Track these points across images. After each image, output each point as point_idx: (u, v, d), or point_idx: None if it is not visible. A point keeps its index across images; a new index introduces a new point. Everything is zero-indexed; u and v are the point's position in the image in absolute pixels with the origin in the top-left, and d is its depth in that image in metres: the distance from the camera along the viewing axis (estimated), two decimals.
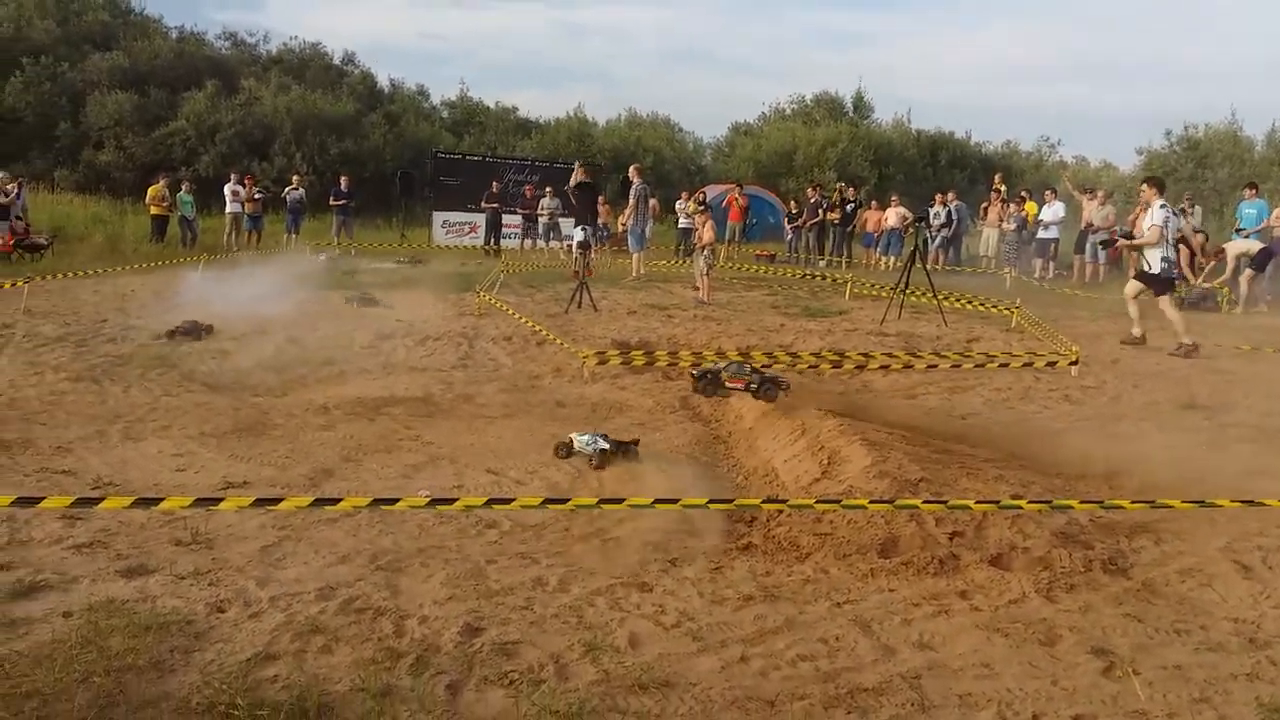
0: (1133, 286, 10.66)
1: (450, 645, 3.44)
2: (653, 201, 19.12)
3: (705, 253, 13.91)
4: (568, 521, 4.75)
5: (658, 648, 3.49)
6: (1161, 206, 10.27)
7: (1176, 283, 10.58)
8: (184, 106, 28.59)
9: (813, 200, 22.31)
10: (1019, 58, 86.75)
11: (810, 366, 8.84)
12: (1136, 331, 10.60)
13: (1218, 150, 28.05)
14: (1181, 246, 15.16)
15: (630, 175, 17.04)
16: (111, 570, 3.99)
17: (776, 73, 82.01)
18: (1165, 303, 10.34)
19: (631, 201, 16.59)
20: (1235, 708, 3.20)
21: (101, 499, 4.01)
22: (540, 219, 21.76)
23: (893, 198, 21.51)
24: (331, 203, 21.71)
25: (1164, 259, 10.22)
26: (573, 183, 14.77)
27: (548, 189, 21.53)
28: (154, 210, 19.31)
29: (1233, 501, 4.37)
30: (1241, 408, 7.83)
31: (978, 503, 4.47)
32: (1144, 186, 11.10)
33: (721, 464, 6.23)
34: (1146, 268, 10.35)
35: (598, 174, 23.35)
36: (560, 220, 21.13)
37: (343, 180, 21.66)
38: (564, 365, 9.03)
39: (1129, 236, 11.16)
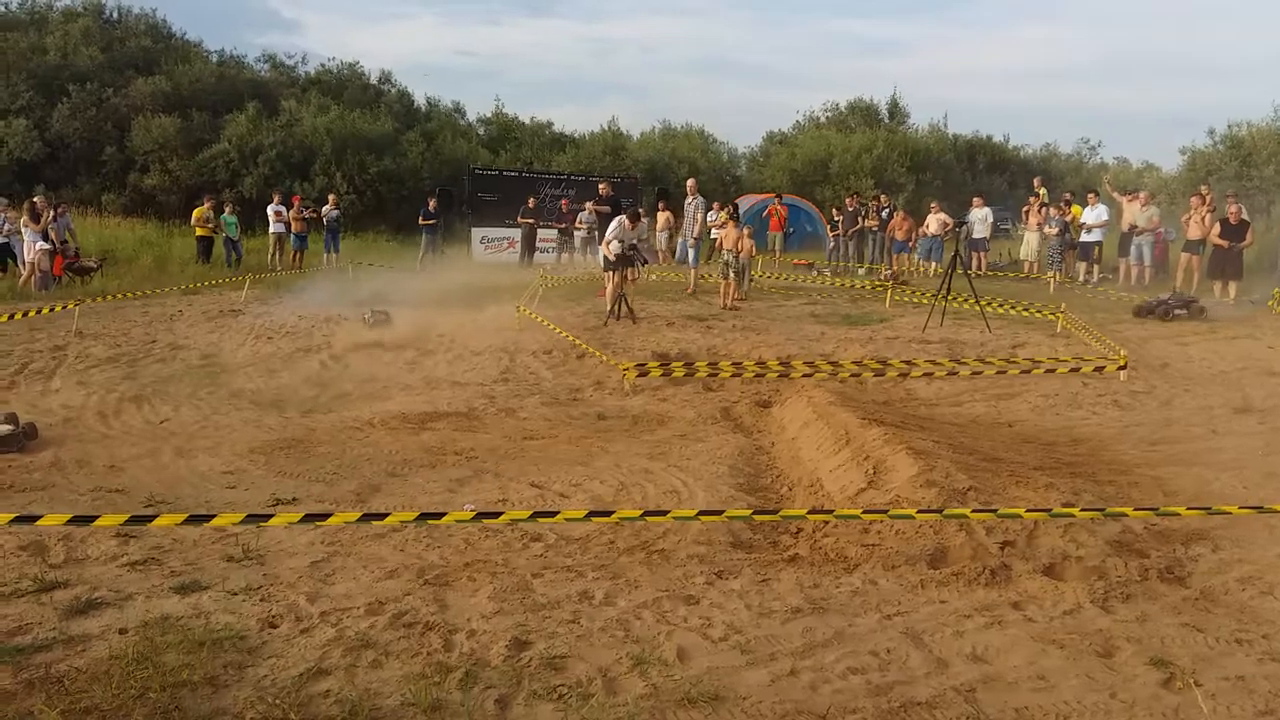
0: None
1: (498, 659, 3.44)
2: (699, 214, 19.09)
3: (725, 259, 14.55)
4: (612, 534, 4.74)
5: (706, 661, 3.47)
6: (616, 226, 13.02)
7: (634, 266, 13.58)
8: (226, 129, 29.12)
9: (851, 209, 22.19)
10: (1056, 60, 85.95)
11: (853, 375, 8.78)
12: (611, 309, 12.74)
13: (1262, 148, 27.47)
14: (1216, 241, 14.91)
15: (688, 189, 17.31)
16: (165, 587, 4.04)
17: (810, 81, 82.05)
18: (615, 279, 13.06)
19: (689, 215, 16.89)
20: None
21: (155, 516, 4.08)
22: (578, 233, 21.86)
23: (932, 204, 21.25)
24: (421, 222, 22.35)
25: (618, 255, 12.98)
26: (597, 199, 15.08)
27: (588, 204, 21.71)
28: (199, 232, 19.65)
29: None
30: None
31: (1028, 511, 4.40)
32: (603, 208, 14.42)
33: (765, 474, 6.19)
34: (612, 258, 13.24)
35: (620, 188, 23.76)
36: (598, 234, 21.26)
37: (431, 202, 22.45)
38: (604, 378, 9.04)
39: (633, 246, 13.43)
